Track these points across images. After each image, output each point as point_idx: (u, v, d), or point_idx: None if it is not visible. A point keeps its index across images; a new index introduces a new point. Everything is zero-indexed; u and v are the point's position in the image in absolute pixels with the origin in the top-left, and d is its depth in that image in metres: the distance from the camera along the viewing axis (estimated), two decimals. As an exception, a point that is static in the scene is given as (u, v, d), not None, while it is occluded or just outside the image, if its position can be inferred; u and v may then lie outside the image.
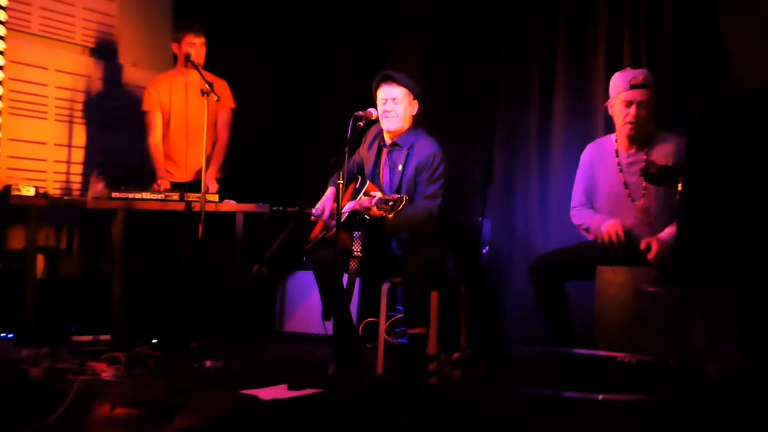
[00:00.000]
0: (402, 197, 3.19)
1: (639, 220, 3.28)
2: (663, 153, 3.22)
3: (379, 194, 3.41)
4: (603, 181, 3.40)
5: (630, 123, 3.24)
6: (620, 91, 3.27)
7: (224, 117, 4.29)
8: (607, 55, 3.84)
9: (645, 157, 3.27)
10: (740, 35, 3.46)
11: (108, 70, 4.56)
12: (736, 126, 3.32)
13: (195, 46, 4.08)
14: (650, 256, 3.09)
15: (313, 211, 3.70)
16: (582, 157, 3.53)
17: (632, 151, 3.32)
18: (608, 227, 3.23)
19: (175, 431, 2.54)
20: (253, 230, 4.10)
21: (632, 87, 3.22)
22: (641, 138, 3.29)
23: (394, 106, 3.57)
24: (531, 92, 4.14)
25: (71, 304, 4.03)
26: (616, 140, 3.39)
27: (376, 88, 3.64)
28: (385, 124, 3.61)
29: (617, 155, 3.36)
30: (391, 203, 3.19)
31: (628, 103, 3.24)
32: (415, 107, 3.63)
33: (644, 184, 3.24)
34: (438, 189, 3.54)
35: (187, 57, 4.08)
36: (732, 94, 3.44)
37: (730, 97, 3.43)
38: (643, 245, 3.11)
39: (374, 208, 3.27)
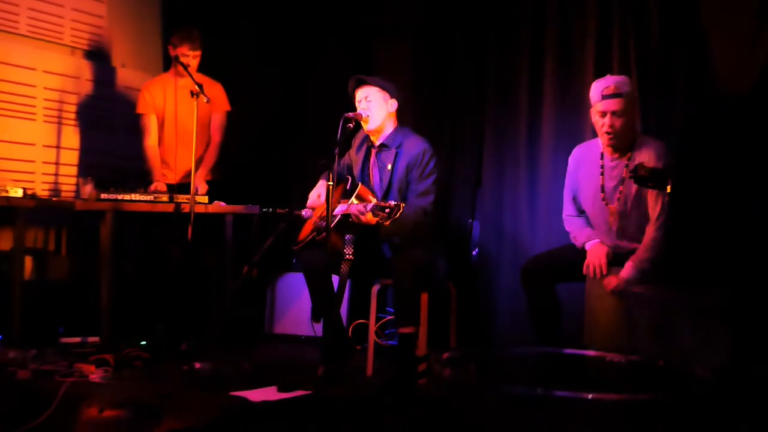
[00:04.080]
0: (399, 204, 3.18)
1: (611, 224, 3.30)
2: (644, 158, 3.21)
3: (374, 201, 3.41)
4: (585, 184, 3.42)
5: (606, 133, 3.23)
6: (595, 102, 3.26)
7: (218, 119, 4.29)
8: (596, 57, 3.85)
9: (626, 162, 3.26)
10: (725, 41, 3.49)
11: (97, 71, 4.54)
12: (724, 128, 3.35)
13: (188, 57, 4.07)
14: (608, 289, 3.15)
15: (303, 213, 3.70)
16: (570, 159, 3.54)
17: (616, 155, 3.32)
18: (591, 259, 3.24)
19: (163, 433, 2.53)
20: (243, 232, 4.10)
21: (604, 97, 3.20)
22: (623, 145, 3.27)
23: (367, 104, 3.61)
24: (520, 94, 4.14)
25: (59, 305, 4.01)
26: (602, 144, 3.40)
27: (353, 94, 3.68)
28: (365, 126, 3.64)
29: (602, 158, 3.36)
30: (387, 210, 3.17)
31: (603, 114, 3.22)
32: (393, 105, 3.65)
33: (620, 188, 3.25)
34: (430, 185, 3.54)
35: (176, 58, 4.08)
36: (718, 98, 3.47)
37: (716, 102, 3.46)
38: (605, 282, 3.17)
39: (369, 214, 3.25)
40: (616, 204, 3.28)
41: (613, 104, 3.19)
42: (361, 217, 3.30)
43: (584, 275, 3.26)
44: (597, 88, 3.26)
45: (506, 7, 4.20)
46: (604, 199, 3.32)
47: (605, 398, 1.43)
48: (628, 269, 3.14)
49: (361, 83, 3.66)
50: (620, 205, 3.26)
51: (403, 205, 3.20)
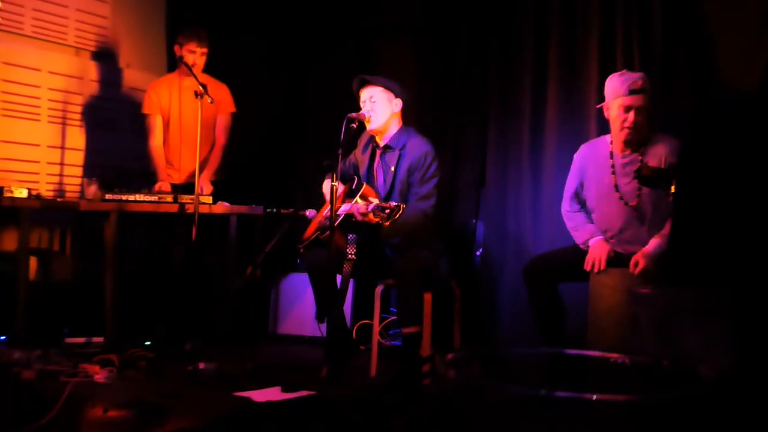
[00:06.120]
0: (399, 206, 3.18)
1: (632, 223, 3.28)
2: (657, 154, 3.19)
3: (376, 200, 3.41)
4: (594, 183, 3.40)
5: (628, 128, 3.21)
6: (618, 96, 3.23)
7: (223, 121, 4.30)
8: (599, 57, 3.84)
9: (640, 158, 3.25)
10: (729, 39, 3.49)
11: (101, 72, 4.56)
12: (727, 129, 3.34)
13: (195, 54, 4.09)
14: (637, 271, 3.14)
15: (308, 213, 3.71)
16: (575, 156, 3.53)
17: (627, 152, 3.30)
18: (593, 254, 3.25)
19: (168, 433, 2.53)
20: (247, 232, 4.10)
21: (631, 92, 3.18)
22: (637, 141, 3.27)
23: (371, 105, 3.61)
24: (523, 93, 4.13)
25: (64, 306, 4.01)
26: (612, 142, 3.37)
27: (357, 95, 3.67)
28: (368, 126, 3.64)
29: (612, 157, 3.34)
30: (388, 211, 3.17)
31: (627, 108, 3.20)
32: (397, 104, 3.65)
33: (638, 185, 3.24)
34: (432, 188, 3.54)
35: (180, 59, 4.09)
36: (722, 96, 3.46)
37: (720, 100, 3.45)
38: (631, 264, 3.16)
39: (370, 215, 3.26)
40: (635, 201, 3.25)
41: (639, 99, 3.19)
42: (363, 217, 3.31)
43: (587, 275, 3.25)
44: (623, 82, 3.22)
45: (508, 7, 4.19)
46: (621, 198, 3.28)
47: (609, 399, 1.44)
48: (656, 242, 3.14)
49: (365, 83, 3.66)
50: (641, 203, 3.24)
51: (403, 206, 3.19)
